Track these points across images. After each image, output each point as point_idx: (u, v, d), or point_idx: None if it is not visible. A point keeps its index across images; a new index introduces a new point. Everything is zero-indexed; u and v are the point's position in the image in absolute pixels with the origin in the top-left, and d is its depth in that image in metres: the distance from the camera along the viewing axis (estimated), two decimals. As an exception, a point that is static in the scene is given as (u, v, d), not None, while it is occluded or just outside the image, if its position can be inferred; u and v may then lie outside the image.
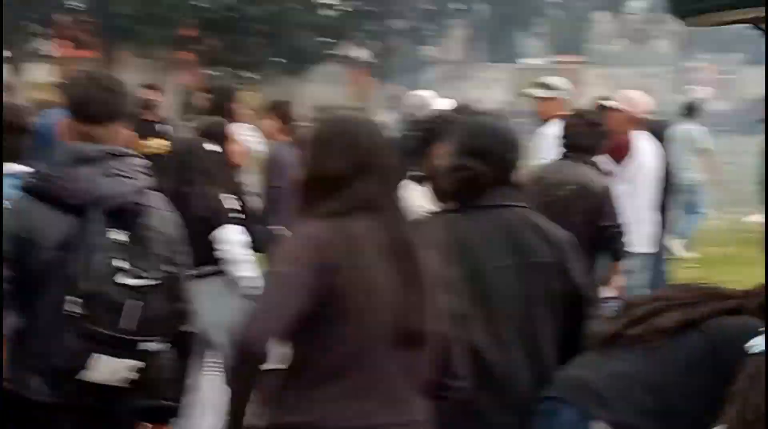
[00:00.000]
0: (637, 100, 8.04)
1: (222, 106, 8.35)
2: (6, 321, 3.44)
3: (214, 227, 6.16)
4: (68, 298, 3.38)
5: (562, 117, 7.49)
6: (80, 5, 44.77)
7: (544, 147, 7.70)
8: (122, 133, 3.75)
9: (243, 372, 3.14)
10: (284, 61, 44.04)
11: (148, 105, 12.10)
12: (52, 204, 3.49)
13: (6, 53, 36.45)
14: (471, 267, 3.77)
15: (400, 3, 45.45)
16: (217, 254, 6.20)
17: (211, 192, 6.17)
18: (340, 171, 3.24)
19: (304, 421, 3.16)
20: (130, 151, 3.73)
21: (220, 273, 6.23)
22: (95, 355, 3.41)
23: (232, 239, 6.24)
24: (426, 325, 3.22)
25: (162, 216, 3.69)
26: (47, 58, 50.11)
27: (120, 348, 3.45)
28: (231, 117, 7.94)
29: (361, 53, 47.26)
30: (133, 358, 3.50)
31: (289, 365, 3.23)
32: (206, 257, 6.03)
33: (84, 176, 3.51)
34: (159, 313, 3.53)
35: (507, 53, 46.69)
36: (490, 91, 39.50)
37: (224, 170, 6.58)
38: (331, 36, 45.41)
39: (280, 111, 9.08)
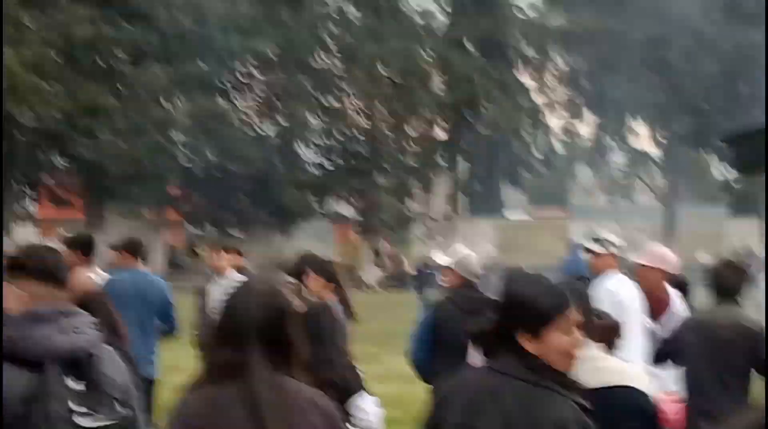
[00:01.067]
0: (669, 256, 8.32)
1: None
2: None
3: (346, 394, 6.07)
4: None
5: (613, 271, 8.07)
6: (66, 165, 45.50)
7: (600, 299, 7.91)
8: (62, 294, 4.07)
9: None
10: (270, 218, 44.58)
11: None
12: (12, 362, 3.79)
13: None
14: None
15: (384, 160, 46.17)
16: (354, 421, 6.14)
17: (343, 358, 6.08)
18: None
19: None
20: (79, 310, 4.04)
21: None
22: None
23: (370, 409, 6.17)
24: None
25: (114, 364, 3.95)
26: (33, 220, 50.61)
27: None
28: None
29: (347, 209, 47.70)
30: None
31: None
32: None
33: (40, 334, 3.84)
34: None
35: (491, 206, 47.28)
36: (478, 246, 39.69)
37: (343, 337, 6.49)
38: (316, 193, 46.11)
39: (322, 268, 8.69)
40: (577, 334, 3.49)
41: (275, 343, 3.54)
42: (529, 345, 3.42)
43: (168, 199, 46.25)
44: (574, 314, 3.49)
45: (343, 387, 6.03)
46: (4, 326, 3.91)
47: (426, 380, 7.36)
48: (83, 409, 3.81)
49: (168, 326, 9.73)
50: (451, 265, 7.59)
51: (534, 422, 3.34)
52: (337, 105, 46.63)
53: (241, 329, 3.51)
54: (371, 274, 43.86)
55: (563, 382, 3.44)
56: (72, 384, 3.81)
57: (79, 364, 3.83)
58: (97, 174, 42.10)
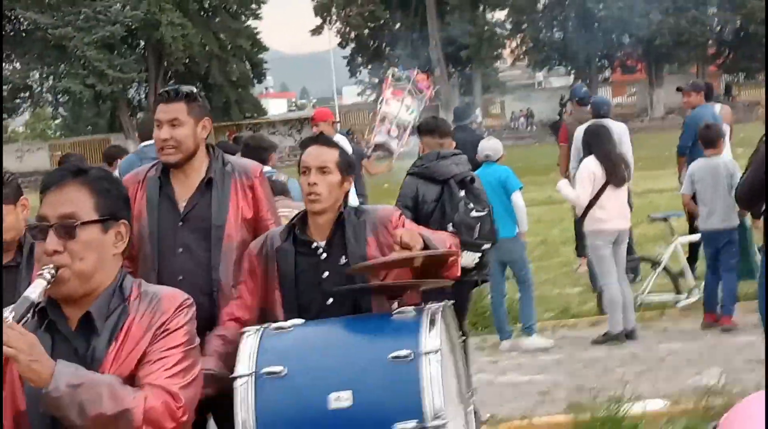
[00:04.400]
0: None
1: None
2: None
3: None
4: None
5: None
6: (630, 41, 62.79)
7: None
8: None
9: None
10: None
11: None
12: (428, 180, 7.01)
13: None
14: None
15: None
16: None
17: None
18: None
19: None
20: (458, 152, 7.24)
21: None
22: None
23: None
24: None
25: (478, 182, 6.98)
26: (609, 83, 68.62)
27: (473, 248, 6.92)
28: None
29: None
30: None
31: None
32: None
33: (444, 165, 7.07)
34: (489, 228, 7.07)
35: None
36: None
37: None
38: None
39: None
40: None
41: None
42: None
43: (707, 57, 62.85)
44: None
45: None
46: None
47: None
48: (471, 205, 6.83)
49: None
50: None
51: None
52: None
53: None
54: None
55: None
56: (460, 193, 6.84)
57: (464, 182, 6.89)
58: (652, 45, 58.67)
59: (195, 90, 4.82)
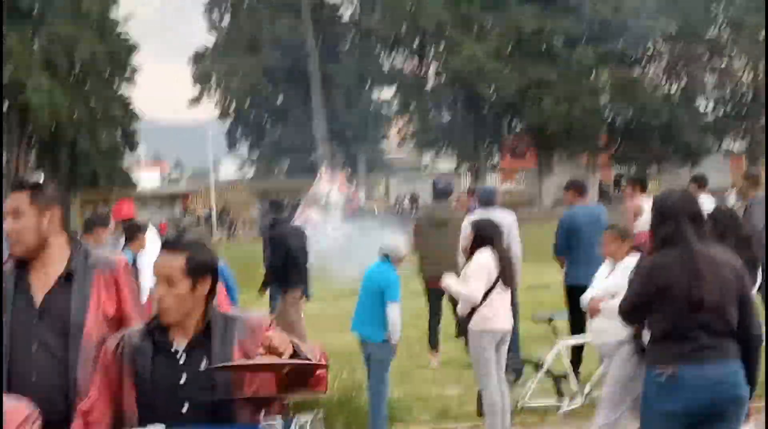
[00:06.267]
0: None
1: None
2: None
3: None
4: None
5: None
6: (521, 127, 64.08)
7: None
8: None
9: None
10: (677, 156, 61.46)
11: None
12: None
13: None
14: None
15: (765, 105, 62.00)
16: None
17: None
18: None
19: None
20: None
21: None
22: None
23: None
24: None
25: None
26: (497, 169, 69.74)
27: None
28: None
29: (738, 146, 64.22)
30: None
31: None
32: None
33: None
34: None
35: None
36: None
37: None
38: (713, 134, 62.84)
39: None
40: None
41: (697, 221, 5.73)
42: None
43: (598, 147, 64.58)
44: None
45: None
46: None
47: None
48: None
49: None
50: None
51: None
52: (726, 66, 63.29)
53: (675, 212, 5.70)
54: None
55: None
56: None
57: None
58: (544, 132, 60.50)
59: (42, 180, 4.72)
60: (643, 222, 9.24)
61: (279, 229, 14.36)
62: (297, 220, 18.36)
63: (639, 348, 7.76)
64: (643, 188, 13.42)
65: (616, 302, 7.92)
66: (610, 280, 8.53)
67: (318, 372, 4.14)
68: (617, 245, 8.61)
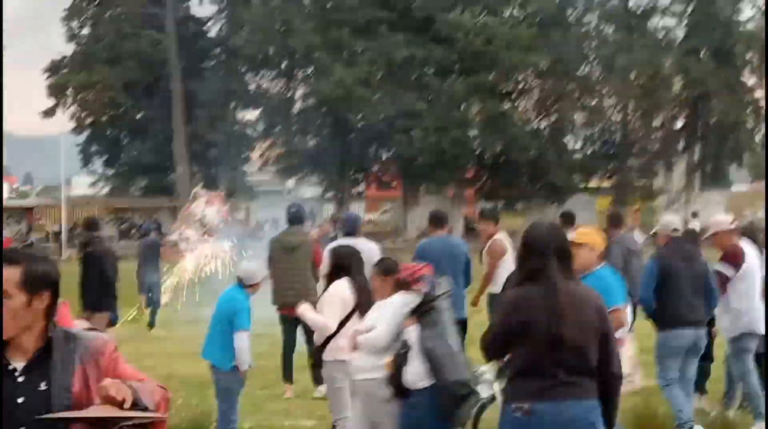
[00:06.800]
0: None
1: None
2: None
3: None
4: None
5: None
6: (388, 156, 64.41)
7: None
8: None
9: None
10: (544, 193, 62.51)
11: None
12: None
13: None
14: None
15: (634, 146, 63.69)
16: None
17: None
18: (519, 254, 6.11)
19: None
20: None
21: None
22: None
23: None
24: None
25: None
26: (363, 198, 70.11)
27: None
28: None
29: (605, 185, 65.75)
30: None
31: None
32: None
33: None
34: None
35: (720, 182, 63.26)
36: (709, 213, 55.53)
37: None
38: (581, 173, 64.12)
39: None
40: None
41: (563, 257, 5.82)
42: None
43: (465, 180, 65.26)
44: None
45: None
46: None
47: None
48: None
49: (465, 278, 12.34)
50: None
51: None
52: (596, 104, 64.85)
53: (541, 247, 5.79)
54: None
55: None
56: None
57: None
58: (411, 163, 60.70)
59: None
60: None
61: (93, 247, 14.15)
62: (171, 237, 19.65)
63: (400, 393, 7.89)
64: (496, 221, 13.88)
65: (374, 335, 8.13)
66: (373, 315, 8.51)
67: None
68: (380, 281, 8.58)
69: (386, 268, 8.57)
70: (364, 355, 8.22)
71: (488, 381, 8.38)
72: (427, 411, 7.73)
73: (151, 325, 22.06)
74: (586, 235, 8.47)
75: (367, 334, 8.20)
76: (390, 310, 8.12)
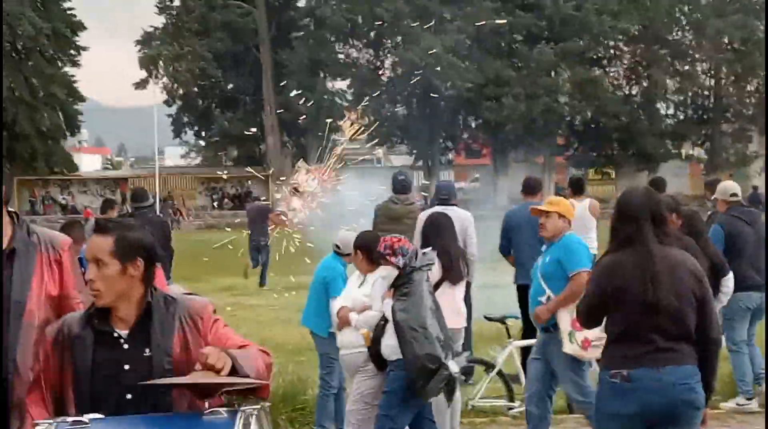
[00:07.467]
0: None
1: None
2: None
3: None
4: None
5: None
6: (477, 123, 64.35)
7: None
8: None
9: None
10: (636, 160, 62.00)
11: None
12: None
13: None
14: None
15: (727, 111, 62.60)
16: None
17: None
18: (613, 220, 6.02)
19: None
20: None
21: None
22: None
23: None
24: None
25: None
26: (452, 166, 70.23)
27: None
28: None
29: (698, 151, 64.79)
30: None
31: None
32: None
33: None
34: None
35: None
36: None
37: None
38: (673, 139, 63.37)
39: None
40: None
41: (658, 223, 5.80)
42: None
43: (556, 147, 64.98)
44: None
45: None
46: None
47: None
48: None
49: None
50: None
51: None
52: (688, 69, 63.86)
53: (636, 212, 5.76)
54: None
55: None
56: None
57: None
58: (501, 130, 60.83)
59: None
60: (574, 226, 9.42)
61: (140, 219, 14.17)
62: (279, 208, 21.55)
63: (381, 366, 7.95)
64: (579, 191, 14.03)
65: (370, 315, 8.12)
66: (360, 292, 8.50)
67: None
68: (357, 256, 8.60)
69: (361, 243, 8.58)
70: (355, 333, 8.25)
71: (464, 357, 8.27)
72: (400, 384, 7.79)
73: (261, 283, 23.55)
74: (556, 204, 8.60)
75: (362, 314, 8.22)
76: (379, 286, 8.15)
